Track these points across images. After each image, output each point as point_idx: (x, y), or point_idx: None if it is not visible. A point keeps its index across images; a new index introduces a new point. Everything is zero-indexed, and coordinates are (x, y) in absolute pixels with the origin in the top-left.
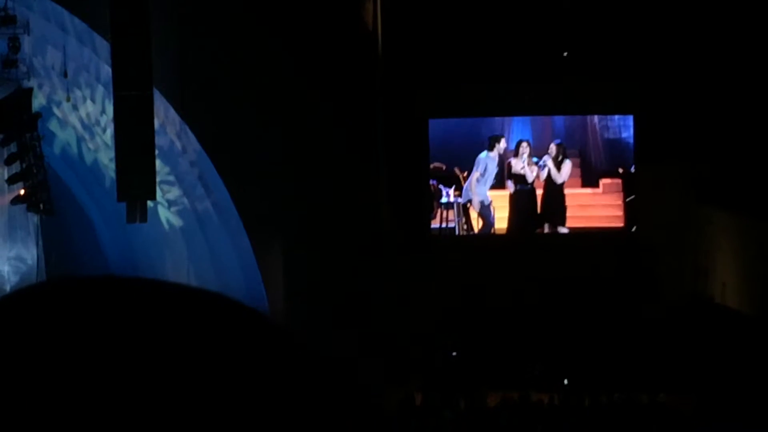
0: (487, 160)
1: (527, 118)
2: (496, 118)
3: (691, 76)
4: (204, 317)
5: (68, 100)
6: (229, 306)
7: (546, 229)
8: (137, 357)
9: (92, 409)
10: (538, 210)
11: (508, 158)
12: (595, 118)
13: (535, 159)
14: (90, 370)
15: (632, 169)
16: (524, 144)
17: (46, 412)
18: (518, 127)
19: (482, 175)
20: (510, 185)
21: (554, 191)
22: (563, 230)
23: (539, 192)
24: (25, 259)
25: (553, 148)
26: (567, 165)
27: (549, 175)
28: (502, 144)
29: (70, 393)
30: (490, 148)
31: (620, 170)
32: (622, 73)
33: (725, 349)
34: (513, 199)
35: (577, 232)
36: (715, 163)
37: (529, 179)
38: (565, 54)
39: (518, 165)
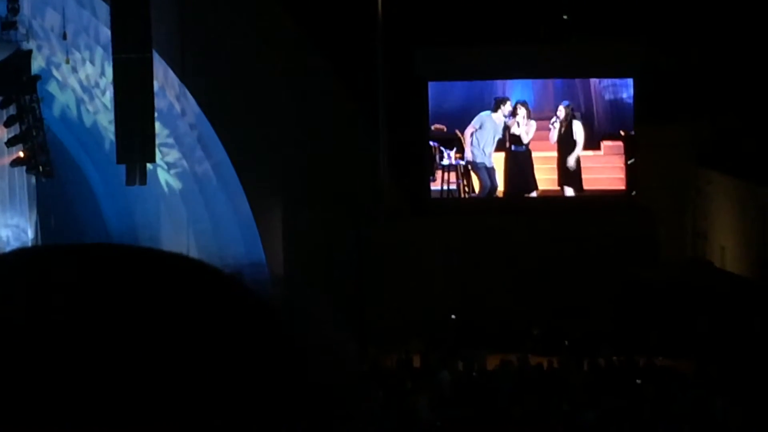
0: (487, 119)
1: (528, 80)
2: (498, 81)
3: (691, 39)
4: (179, 282)
5: (67, 62)
6: (203, 271)
7: (567, 192)
8: (116, 323)
9: (68, 367)
10: (556, 174)
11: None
12: (597, 79)
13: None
14: (67, 335)
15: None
16: (519, 105)
17: (26, 370)
18: (519, 88)
19: (477, 129)
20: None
21: (570, 153)
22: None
23: (555, 155)
24: (25, 225)
25: (561, 110)
26: (578, 126)
27: (564, 136)
28: (507, 107)
29: (50, 355)
30: (495, 110)
31: (622, 132)
32: (622, 37)
33: (723, 311)
34: (508, 159)
35: (577, 195)
36: (715, 126)
37: (524, 140)
38: (565, 17)
39: (515, 126)
